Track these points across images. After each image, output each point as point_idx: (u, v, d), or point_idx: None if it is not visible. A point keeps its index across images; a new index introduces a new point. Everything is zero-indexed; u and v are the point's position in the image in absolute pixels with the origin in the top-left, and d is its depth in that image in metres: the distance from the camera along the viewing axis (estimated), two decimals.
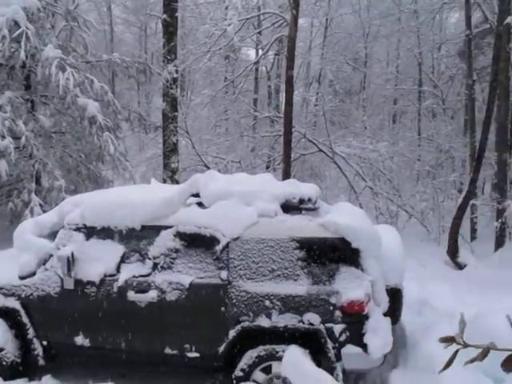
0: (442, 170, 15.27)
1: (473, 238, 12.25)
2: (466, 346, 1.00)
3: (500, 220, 10.40)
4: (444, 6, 14.79)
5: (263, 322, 3.72)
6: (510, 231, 11.56)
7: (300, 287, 3.74)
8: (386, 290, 3.98)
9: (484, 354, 0.98)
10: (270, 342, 3.74)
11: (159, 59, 13.19)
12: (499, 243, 10.78)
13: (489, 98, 9.88)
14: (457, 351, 1.02)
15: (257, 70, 16.66)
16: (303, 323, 3.69)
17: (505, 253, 9.97)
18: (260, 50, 15.52)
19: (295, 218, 4.00)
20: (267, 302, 3.73)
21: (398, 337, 4.19)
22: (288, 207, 4.09)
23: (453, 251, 10.03)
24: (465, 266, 9.67)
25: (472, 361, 0.98)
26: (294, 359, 2.07)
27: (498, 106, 10.79)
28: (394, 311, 4.07)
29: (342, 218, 3.93)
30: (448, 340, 1.01)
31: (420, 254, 9.44)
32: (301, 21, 12.91)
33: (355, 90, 19.88)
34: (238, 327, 3.75)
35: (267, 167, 14.65)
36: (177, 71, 10.16)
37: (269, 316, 3.72)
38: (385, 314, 3.87)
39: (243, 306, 3.76)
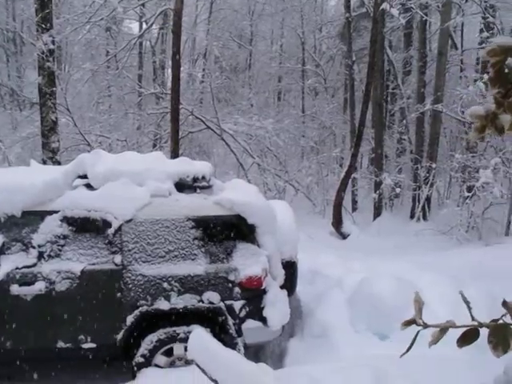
0: (325, 145, 16.09)
1: (354, 209, 13.16)
2: (426, 326, 1.05)
3: (377, 192, 11.29)
4: None
5: (162, 304, 3.64)
6: (386, 202, 12.61)
7: (198, 267, 3.71)
8: (282, 263, 4.11)
9: (444, 331, 1.03)
10: (171, 324, 3.68)
11: (31, 28, 12.06)
12: (377, 213, 11.74)
13: (367, 77, 10.52)
14: (418, 332, 1.06)
15: (141, 44, 16.04)
16: (203, 302, 3.67)
17: (382, 221, 10.89)
18: (144, 24, 14.91)
19: (190, 196, 3.92)
20: (165, 284, 3.65)
21: (293, 307, 4.37)
22: (182, 186, 4.00)
23: (337, 222, 10.67)
24: (348, 235, 10.35)
25: (435, 341, 1.03)
26: (200, 342, 2.04)
27: (374, 86, 11.55)
28: (289, 283, 4.22)
29: (236, 195, 3.95)
30: (410, 323, 1.05)
31: (307, 227, 9.90)
32: None
33: (241, 67, 20.04)
34: (136, 312, 3.63)
35: (154, 145, 14.29)
36: (53, 42, 9.32)
37: (167, 298, 3.65)
38: (281, 287, 4.01)
39: (140, 290, 3.64)
